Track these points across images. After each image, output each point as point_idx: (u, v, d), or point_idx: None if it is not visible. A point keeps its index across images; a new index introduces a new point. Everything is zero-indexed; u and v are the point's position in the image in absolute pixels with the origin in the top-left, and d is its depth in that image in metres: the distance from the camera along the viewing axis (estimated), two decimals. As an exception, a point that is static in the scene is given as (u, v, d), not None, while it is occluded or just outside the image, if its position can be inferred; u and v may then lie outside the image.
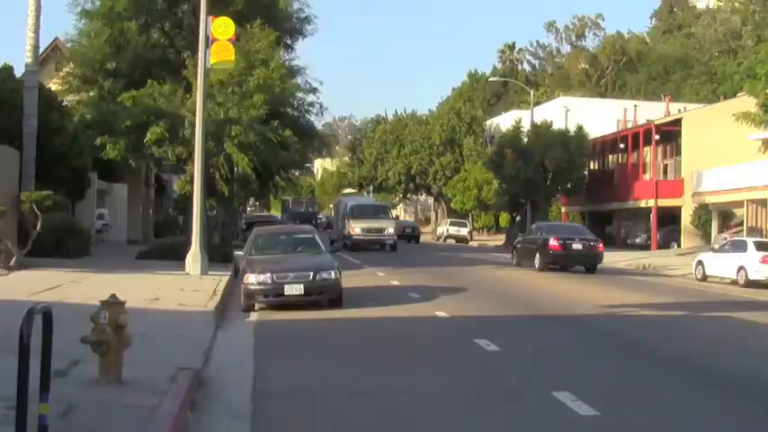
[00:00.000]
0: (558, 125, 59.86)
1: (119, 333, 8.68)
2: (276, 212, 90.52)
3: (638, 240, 56.90)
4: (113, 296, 8.83)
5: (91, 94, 35.46)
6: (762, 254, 29.45)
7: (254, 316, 17.52)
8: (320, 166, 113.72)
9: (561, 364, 12.61)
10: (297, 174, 46.12)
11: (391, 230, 45.77)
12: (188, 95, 30.07)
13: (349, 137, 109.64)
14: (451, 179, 75.45)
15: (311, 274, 18.18)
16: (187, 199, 29.71)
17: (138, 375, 9.13)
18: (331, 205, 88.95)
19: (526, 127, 59.55)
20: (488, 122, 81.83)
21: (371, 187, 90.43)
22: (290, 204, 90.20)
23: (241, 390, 10.17)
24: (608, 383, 11.18)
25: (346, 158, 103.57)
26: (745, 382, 11.38)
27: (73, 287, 19.07)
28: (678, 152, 54.21)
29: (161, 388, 8.88)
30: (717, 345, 15.14)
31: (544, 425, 8.89)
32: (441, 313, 18.09)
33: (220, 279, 22.49)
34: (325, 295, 18.40)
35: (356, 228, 45.22)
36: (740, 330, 17.36)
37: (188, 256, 24.77)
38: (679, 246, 52.15)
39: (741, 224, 46.09)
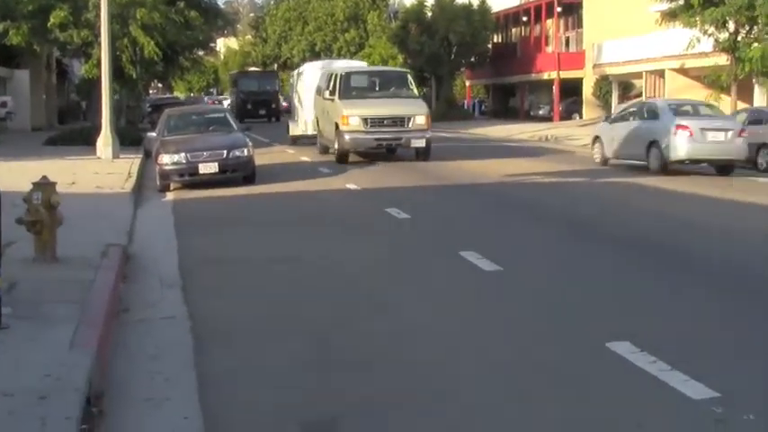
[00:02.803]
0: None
1: (52, 213, 9.10)
2: (180, 94, 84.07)
3: (541, 112, 58.08)
4: (45, 178, 9.22)
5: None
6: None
7: (170, 195, 17.95)
8: (224, 45, 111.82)
9: (468, 228, 13.42)
10: (201, 54, 45.56)
11: (422, 120, 23.94)
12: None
13: (251, 14, 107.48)
14: (356, 55, 75.38)
15: (225, 152, 18.61)
16: (91, 83, 29.62)
17: (71, 253, 9.55)
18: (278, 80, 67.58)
19: (430, 1, 59.69)
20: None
21: (276, 66, 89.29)
22: (236, 81, 66.18)
23: (168, 262, 10.71)
24: (510, 243, 12.00)
25: (249, 37, 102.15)
26: (633, 238, 12.32)
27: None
28: (580, 24, 54.93)
29: (94, 263, 9.38)
30: (613, 206, 16.15)
31: (454, 280, 9.67)
32: (351, 186, 18.79)
33: (132, 161, 22.76)
34: (239, 172, 18.87)
35: (354, 117, 23.56)
36: (638, 194, 18.38)
37: (99, 139, 24.91)
38: (581, 117, 53.38)
39: (640, 95, 47.30)
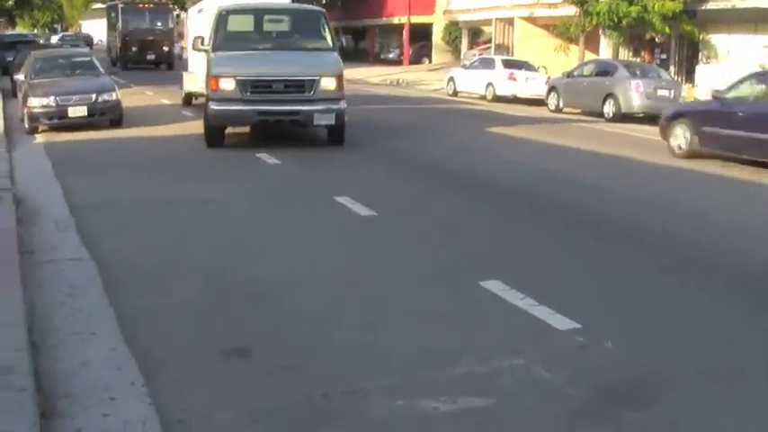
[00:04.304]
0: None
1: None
2: (24, 30, 77.18)
3: (391, 56, 59.14)
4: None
5: None
6: (508, 71, 31.92)
7: (39, 138, 18.06)
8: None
9: (342, 175, 14.07)
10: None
11: (331, 84, 16.39)
12: None
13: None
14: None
15: (93, 95, 18.87)
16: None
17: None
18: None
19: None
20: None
21: (106, 6, 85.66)
22: (116, 15, 51.43)
23: (57, 205, 11.05)
24: (383, 190, 12.73)
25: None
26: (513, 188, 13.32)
27: None
28: (430, -31, 55.89)
29: (-11, 206, 9.71)
30: (462, 149, 17.15)
31: (332, 223, 10.40)
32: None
33: (-8, 102, 22.56)
34: (108, 116, 19.16)
35: (226, 80, 16.11)
36: (490, 139, 19.44)
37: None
38: (430, 61, 54.58)
39: (489, 42, 48.70)
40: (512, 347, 6.13)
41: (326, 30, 17.27)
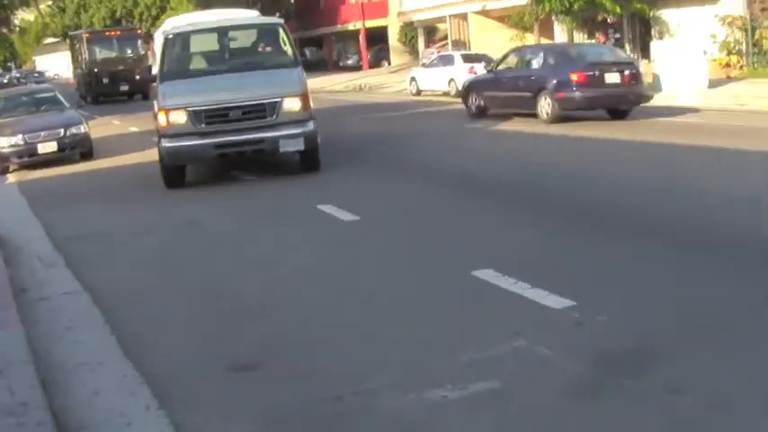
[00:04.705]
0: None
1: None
2: None
3: (350, 62, 59.32)
4: None
5: None
6: (468, 65, 32.18)
7: (11, 177, 18.11)
8: (20, 18, 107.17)
9: (322, 185, 14.05)
10: (5, 31, 43.63)
11: (295, 105, 14.36)
12: None
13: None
14: (158, 19, 74.38)
15: (62, 130, 18.89)
16: None
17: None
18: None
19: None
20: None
21: (69, 38, 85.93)
22: (82, 46, 47.52)
23: (39, 241, 11.12)
24: (366, 196, 12.78)
25: (44, 6, 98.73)
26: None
27: None
28: (379, -27, 56.17)
29: (-25, 249, 9.77)
30: (438, 147, 17.34)
31: (318, 231, 10.57)
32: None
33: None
34: (78, 149, 19.18)
35: (176, 112, 14.22)
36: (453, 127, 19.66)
37: None
38: (390, 63, 54.79)
39: (445, 39, 49.00)
40: (512, 330, 6.28)
41: (287, 43, 15.24)
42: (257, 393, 5.66)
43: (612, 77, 20.24)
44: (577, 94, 20.04)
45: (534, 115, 20.63)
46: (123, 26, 52.43)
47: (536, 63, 21.72)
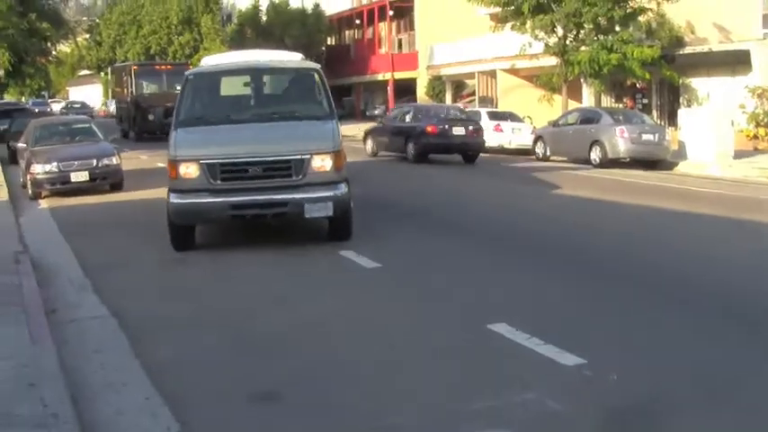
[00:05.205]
0: (295, 4, 61.52)
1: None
2: (12, 97, 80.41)
3: (376, 112, 59.70)
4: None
5: None
6: (494, 122, 32.54)
7: (43, 203, 18.49)
8: (58, 50, 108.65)
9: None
10: (44, 61, 44.21)
11: (326, 163, 12.09)
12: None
13: (85, 18, 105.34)
14: (191, 57, 75.44)
15: (94, 160, 19.36)
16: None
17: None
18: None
19: (264, 5, 60.88)
20: (225, 0, 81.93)
21: (110, 69, 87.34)
22: (128, 79, 43.47)
23: (70, 266, 11.45)
24: (386, 243, 12.91)
25: (81, 39, 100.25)
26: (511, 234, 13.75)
27: None
28: (412, 27, 56.91)
29: (9, 269, 10.08)
30: (457, 197, 17.64)
31: (340, 275, 10.81)
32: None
33: (-4, 170, 23.07)
34: (109, 180, 19.59)
35: (188, 164, 12.01)
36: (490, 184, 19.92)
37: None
38: (416, 116, 55.20)
39: (473, 94, 49.43)
40: (523, 383, 6.50)
41: (322, 91, 13.16)
42: (277, 423, 5.89)
43: (459, 130, 26.93)
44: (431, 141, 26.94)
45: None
46: (174, 60, 47.24)
47: (408, 117, 28.82)
